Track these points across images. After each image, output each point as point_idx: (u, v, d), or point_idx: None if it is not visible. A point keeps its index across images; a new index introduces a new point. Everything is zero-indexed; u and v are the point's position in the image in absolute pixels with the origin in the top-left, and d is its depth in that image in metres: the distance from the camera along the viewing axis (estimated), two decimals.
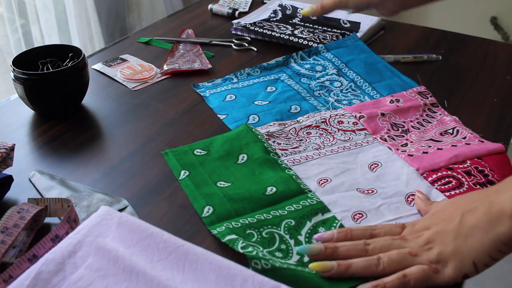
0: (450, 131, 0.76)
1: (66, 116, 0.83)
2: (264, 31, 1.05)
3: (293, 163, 0.71)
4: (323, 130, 0.77)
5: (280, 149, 0.74)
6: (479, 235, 0.51)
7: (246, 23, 1.09)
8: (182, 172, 0.70)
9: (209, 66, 0.97)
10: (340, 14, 1.08)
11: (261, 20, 1.11)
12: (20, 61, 0.82)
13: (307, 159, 0.72)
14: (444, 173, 0.68)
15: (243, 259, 0.54)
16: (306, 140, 0.76)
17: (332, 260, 0.54)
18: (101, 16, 1.85)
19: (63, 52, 0.86)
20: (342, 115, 0.80)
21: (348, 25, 1.06)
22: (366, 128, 0.77)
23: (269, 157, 0.72)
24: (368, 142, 0.75)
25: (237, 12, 1.18)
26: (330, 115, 0.80)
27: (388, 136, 0.76)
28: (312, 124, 0.78)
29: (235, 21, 1.11)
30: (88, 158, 0.74)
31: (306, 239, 0.59)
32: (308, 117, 0.80)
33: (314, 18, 1.08)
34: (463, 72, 0.95)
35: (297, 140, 0.76)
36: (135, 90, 0.91)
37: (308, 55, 0.99)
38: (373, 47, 1.01)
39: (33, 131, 0.81)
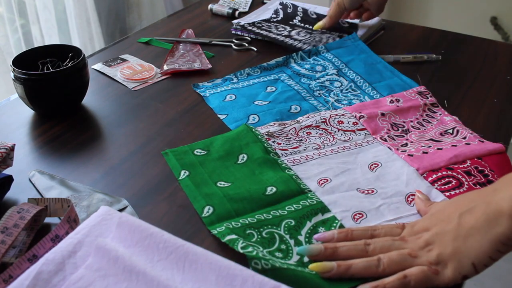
0: (450, 131, 0.76)
1: (66, 116, 0.83)
2: (261, 31, 1.05)
3: (293, 163, 0.71)
4: (323, 130, 0.77)
5: (280, 149, 0.74)
6: (478, 236, 0.51)
7: (245, 23, 1.09)
8: (182, 172, 0.70)
9: (209, 66, 0.97)
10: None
11: (260, 20, 1.11)
12: (20, 61, 0.82)
13: (307, 159, 0.72)
14: (444, 173, 0.68)
15: (243, 259, 0.54)
16: (306, 140, 0.76)
17: (332, 260, 0.54)
18: (101, 16, 1.85)
19: (63, 52, 0.86)
20: (342, 115, 0.80)
21: (347, 25, 1.06)
22: (366, 128, 0.77)
23: (269, 157, 0.72)
24: (368, 142, 0.75)
25: (237, 12, 1.18)
26: (330, 115, 0.80)
27: (388, 136, 0.76)
28: (312, 124, 0.78)
29: (235, 21, 1.11)
30: (88, 158, 0.74)
31: (306, 239, 0.59)
32: (308, 117, 0.80)
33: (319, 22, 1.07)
34: (463, 72, 0.95)
35: (297, 140, 0.76)
36: (135, 90, 0.91)
37: (308, 55, 0.99)
38: (373, 47, 1.01)
39: (33, 131, 0.81)
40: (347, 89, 0.89)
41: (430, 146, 0.73)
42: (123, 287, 0.49)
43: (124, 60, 1.00)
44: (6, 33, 1.58)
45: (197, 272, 0.50)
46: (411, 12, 2.23)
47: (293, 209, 0.63)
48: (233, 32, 1.11)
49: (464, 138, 0.74)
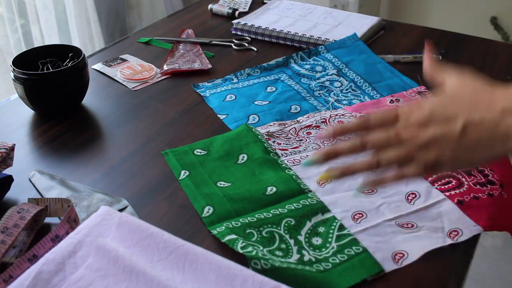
0: None
1: (66, 116, 0.83)
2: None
3: (293, 163, 0.71)
4: (323, 130, 0.77)
5: (280, 149, 0.74)
6: (481, 153, 0.52)
7: (246, 23, 1.09)
8: (182, 172, 0.70)
9: (209, 66, 0.97)
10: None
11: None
12: (20, 61, 0.82)
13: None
14: (444, 173, 0.68)
15: (243, 259, 0.54)
16: (306, 140, 0.76)
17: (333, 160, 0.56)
18: (101, 16, 1.85)
19: (63, 52, 0.86)
20: (342, 115, 0.80)
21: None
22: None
23: (269, 157, 0.72)
24: None
25: (237, 12, 1.18)
26: (330, 115, 0.80)
27: None
28: (312, 124, 0.78)
29: (235, 21, 1.11)
30: (88, 158, 0.74)
31: (306, 239, 0.59)
32: (308, 117, 0.80)
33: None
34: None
35: (297, 140, 0.76)
36: (135, 90, 0.91)
37: (308, 55, 0.99)
38: (373, 47, 1.01)
39: (33, 131, 0.81)
40: (347, 89, 0.89)
41: None
42: (123, 287, 0.49)
43: (124, 60, 1.00)
44: (6, 33, 1.58)
45: (197, 272, 0.50)
46: (411, 12, 2.23)
47: (293, 208, 0.63)
48: (233, 32, 1.11)
49: None
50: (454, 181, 0.66)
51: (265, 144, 0.74)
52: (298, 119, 0.80)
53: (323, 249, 0.58)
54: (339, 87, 0.89)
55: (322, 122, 0.79)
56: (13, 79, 0.80)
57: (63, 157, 0.75)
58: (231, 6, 1.21)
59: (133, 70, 0.96)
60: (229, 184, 0.67)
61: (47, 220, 0.62)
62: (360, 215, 0.62)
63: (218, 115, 0.83)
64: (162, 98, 0.88)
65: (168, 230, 0.54)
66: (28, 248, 0.57)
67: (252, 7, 1.22)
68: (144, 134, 0.79)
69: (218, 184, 0.67)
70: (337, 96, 0.87)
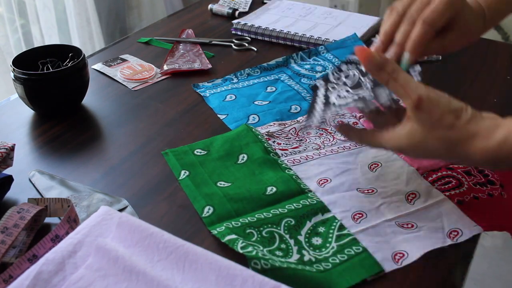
0: None
1: (66, 116, 0.83)
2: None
3: (293, 163, 0.71)
4: (323, 130, 0.77)
5: (280, 149, 0.74)
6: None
7: (246, 23, 1.09)
8: (182, 172, 0.70)
9: (209, 66, 0.97)
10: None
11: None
12: (20, 61, 0.82)
13: (307, 159, 0.72)
14: (444, 173, 0.68)
15: (243, 259, 0.54)
16: (306, 140, 0.76)
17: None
18: (101, 16, 1.85)
19: (63, 52, 0.86)
20: (342, 115, 0.80)
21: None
22: (366, 128, 0.77)
23: (269, 157, 0.72)
24: None
25: (237, 12, 1.18)
26: (330, 115, 0.80)
27: None
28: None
29: (235, 21, 1.11)
30: (88, 158, 0.74)
31: (306, 239, 0.59)
32: None
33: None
34: (463, 72, 0.95)
35: (297, 140, 0.76)
36: (135, 90, 0.91)
37: (308, 55, 0.99)
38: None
39: (33, 131, 0.81)
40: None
41: None
42: (123, 287, 0.49)
43: (124, 60, 1.00)
44: (6, 33, 1.58)
45: (197, 272, 0.50)
46: None
47: (293, 208, 0.63)
48: (233, 32, 1.11)
49: None
50: (454, 181, 0.66)
51: (265, 144, 0.74)
52: (298, 119, 0.80)
53: (323, 249, 0.58)
54: None
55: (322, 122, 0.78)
56: (13, 79, 0.80)
57: (63, 157, 0.75)
58: (231, 6, 1.21)
59: (133, 70, 0.96)
60: (229, 184, 0.67)
61: (47, 220, 0.62)
62: (360, 215, 0.62)
63: (218, 115, 0.83)
64: (162, 98, 0.88)
65: (168, 230, 0.54)
66: (28, 248, 0.57)
67: (252, 7, 1.22)
68: (144, 134, 0.79)
69: (218, 184, 0.67)
70: None
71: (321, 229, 0.60)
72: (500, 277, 1.60)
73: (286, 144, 0.75)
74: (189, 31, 1.11)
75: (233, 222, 0.61)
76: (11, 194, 0.67)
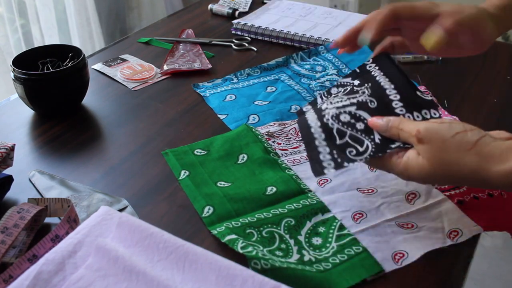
0: None
1: (66, 116, 0.83)
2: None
3: (293, 163, 0.71)
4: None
5: (280, 149, 0.74)
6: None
7: (246, 23, 1.09)
8: (182, 172, 0.70)
9: (209, 66, 0.97)
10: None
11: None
12: (20, 61, 0.82)
13: (307, 159, 0.72)
14: None
15: (243, 259, 0.54)
16: None
17: None
18: (101, 16, 1.85)
19: (63, 52, 0.86)
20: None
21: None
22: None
23: (269, 157, 0.72)
24: None
25: (237, 12, 1.18)
26: None
27: None
28: None
29: (235, 21, 1.11)
30: (88, 158, 0.74)
31: (306, 239, 0.59)
32: None
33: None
34: (463, 72, 0.95)
35: (297, 140, 0.76)
36: (135, 90, 0.91)
37: (308, 55, 0.99)
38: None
39: (33, 131, 0.81)
40: None
41: None
42: (123, 287, 0.49)
43: (124, 60, 1.00)
44: (6, 33, 1.58)
45: (197, 272, 0.50)
46: None
47: (293, 208, 0.63)
48: (233, 32, 1.11)
49: None
50: None
51: (265, 144, 0.74)
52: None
53: (323, 249, 0.58)
54: None
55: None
56: (13, 79, 0.80)
57: (63, 157, 0.75)
58: (231, 6, 1.21)
59: (133, 70, 0.96)
60: (229, 184, 0.67)
61: (47, 220, 0.62)
62: (360, 215, 0.62)
63: (218, 115, 0.83)
64: (162, 98, 0.88)
65: (168, 230, 0.54)
66: (28, 248, 0.57)
67: (252, 7, 1.22)
68: (144, 134, 0.79)
69: (218, 184, 0.67)
70: None
71: (321, 229, 0.60)
72: (500, 277, 1.60)
73: (286, 144, 0.75)
74: (189, 31, 1.11)
75: (233, 222, 0.61)
76: (11, 194, 0.67)
